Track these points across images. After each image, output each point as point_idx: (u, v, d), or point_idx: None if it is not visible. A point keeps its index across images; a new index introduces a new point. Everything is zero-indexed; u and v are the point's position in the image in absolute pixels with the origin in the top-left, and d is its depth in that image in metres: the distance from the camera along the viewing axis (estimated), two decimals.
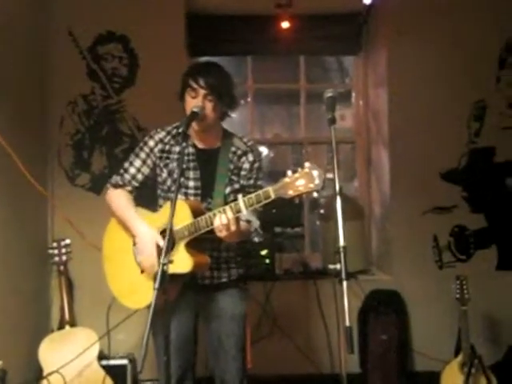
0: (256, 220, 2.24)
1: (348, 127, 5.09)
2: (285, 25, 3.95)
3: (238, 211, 2.03)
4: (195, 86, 2.19)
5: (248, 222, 2.22)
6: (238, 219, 2.07)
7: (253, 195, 1.99)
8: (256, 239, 2.35)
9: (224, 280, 2.34)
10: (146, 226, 2.23)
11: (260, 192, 1.97)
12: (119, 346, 3.40)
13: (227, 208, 2.05)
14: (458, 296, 3.09)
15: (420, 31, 3.75)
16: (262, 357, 3.17)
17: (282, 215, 3.82)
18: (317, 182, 1.87)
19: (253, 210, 2.20)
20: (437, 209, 3.78)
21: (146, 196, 2.40)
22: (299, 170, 1.90)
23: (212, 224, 2.08)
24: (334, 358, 3.38)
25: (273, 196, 1.94)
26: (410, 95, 3.78)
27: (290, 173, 1.92)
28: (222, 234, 2.06)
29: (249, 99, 4.36)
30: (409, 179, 3.76)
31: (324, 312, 3.49)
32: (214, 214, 2.07)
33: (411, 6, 3.75)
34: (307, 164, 1.90)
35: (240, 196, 2.04)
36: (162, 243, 2.13)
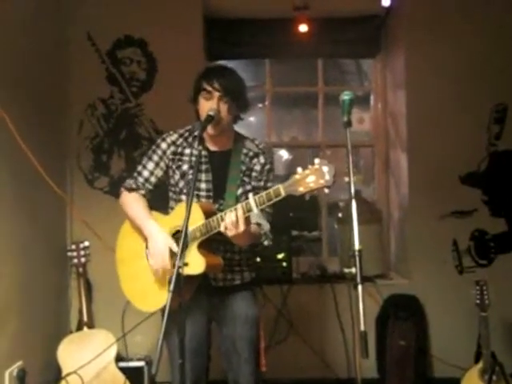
0: (266, 223, 2.23)
1: (366, 130, 5.05)
2: (302, 28, 3.94)
3: (250, 210, 2.01)
4: (210, 88, 2.20)
5: (258, 225, 2.21)
6: (247, 220, 2.05)
7: (263, 193, 1.98)
8: (266, 243, 2.31)
9: (237, 282, 2.34)
10: (159, 230, 2.23)
11: (270, 190, 1.96)
12: (137, 348, 3.43)
13: (239, 206, 2.04)
14: (477, 301, 3.03)
15: (438, 33, 3.71)
16: (278, 360, 3.18)
17: (299, 219, 3.81)
18: (327, 177, 1.84)
19: (263, 213, 2.19)
20: (456, 213, 3.73)
21: (158, 198, 2.41)
22: (309, 166, 1.87)
23: None
24: (350, 362, 3.36)
25: (283, 193, 1.92)
26: (429, 98, 3.74)
27: (300, 170, 1.89)
28: (230, 232, 2.03)
29: (266, 102, 4.37)
30: (427, 182, 3.72)
31: (341, 316, 3.47)
32: (226, 214, 2.06)
33: (429, 7, 3.73)
34: (317, 160, 1.86)
35: (251, 195, 2.03)
36: (174, 246, 2.14)
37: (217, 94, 2.19)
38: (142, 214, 2.31)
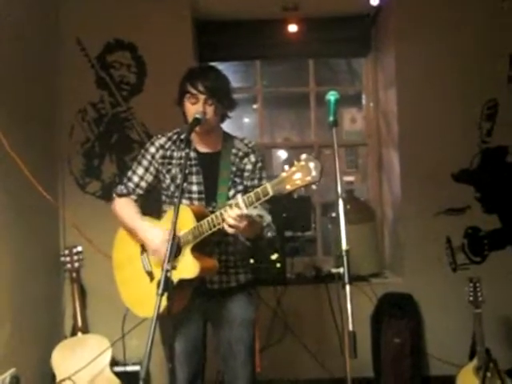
0: (268, 215, 2.19)
1: (360, 130, 5.05)
2: (292, 28, 3.95)
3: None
4: (194, 91, 2.19)
5: (260, 216, 2.16)
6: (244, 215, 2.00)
7: (251, 193, 1.95)
8: (269, 234, 2.26)
9: (233, 285, 2.32)
10: (154, 228, 2.21)
11: (258, 189, 1.93)
12: (134, 353, 3.40)
13: (228, 207, 2.00)
14: (471, 299, 3.03)
15: (428, 31, 3.71)
16: (273, 361, 3.18)
17: (292, 219, 3.80)
18: (313, 173, 1.80)
19: (263, 206, 2.16)
20: (449, 210, 3.73)
21: (151, 203, 2.40)
22: (295, 163, 1.84)
23: (215, 226, 2.05)
24: (346, 362, 3.34)
25: (271, 192, 1.89)
26: (420, 96, 3.74)
27: (286, 167, 1.86)
28: (233, 228, 1.99)
29: (258, 103, 4.37)
30: (420, 180, 3.72)
31: (336, 316, 3.45)
32: (216, 217, 2.04)
33: (419, 5, 3.73)
34: (303, 156, 1.83)
35: (239, 195, 2.00)
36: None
37: (202, 96, 2.18)
38: (134, 219, 2.29)
